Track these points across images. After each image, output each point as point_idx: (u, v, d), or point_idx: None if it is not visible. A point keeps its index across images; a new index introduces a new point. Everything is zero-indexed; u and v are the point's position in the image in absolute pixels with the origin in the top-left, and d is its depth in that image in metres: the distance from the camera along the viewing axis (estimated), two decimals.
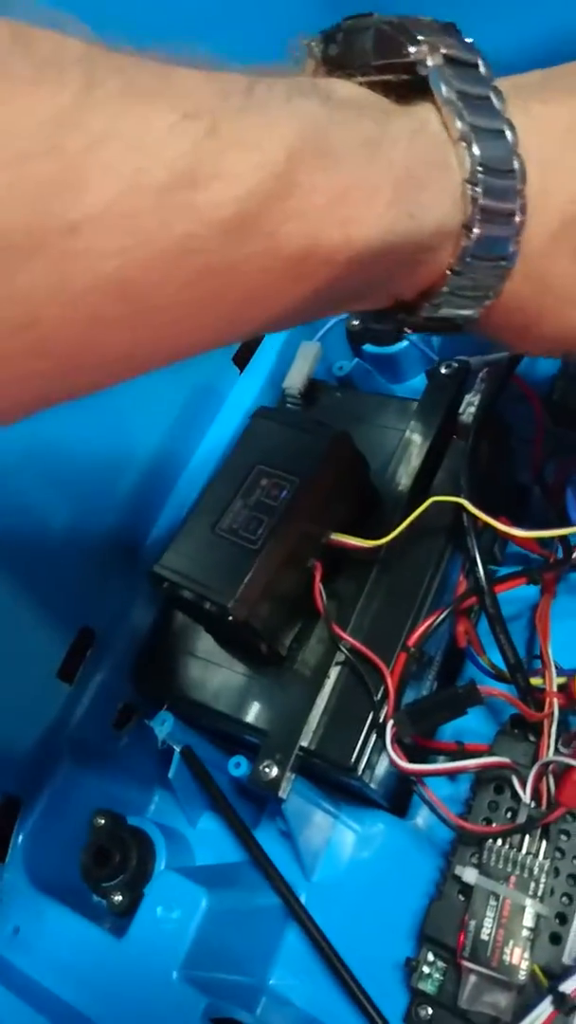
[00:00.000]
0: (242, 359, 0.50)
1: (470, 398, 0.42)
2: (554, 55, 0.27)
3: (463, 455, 0.39)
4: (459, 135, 0.22)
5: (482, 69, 0.23)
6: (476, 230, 0.22)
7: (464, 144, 0.22)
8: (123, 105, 0.17)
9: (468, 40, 0.23)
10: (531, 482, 0.45)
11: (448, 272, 0.23)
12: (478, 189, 0.22)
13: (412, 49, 0.22)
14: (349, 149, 0.20)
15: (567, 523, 0.39)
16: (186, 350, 0.21)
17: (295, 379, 0.46)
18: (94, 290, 0.17)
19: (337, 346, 0.53)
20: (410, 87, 0.22)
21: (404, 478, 0.41)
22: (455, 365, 0.44)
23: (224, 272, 0.19)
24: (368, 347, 0.54)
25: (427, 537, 0.39)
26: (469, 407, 0.42)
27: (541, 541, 0.41)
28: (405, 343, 0.53)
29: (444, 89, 0.22)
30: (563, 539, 0.39)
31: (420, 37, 0.22)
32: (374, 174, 0.20)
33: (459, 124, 0.22)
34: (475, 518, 0.36)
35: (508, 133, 0.23)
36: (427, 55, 0.22)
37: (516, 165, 0.23)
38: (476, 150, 0.22)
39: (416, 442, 0.42)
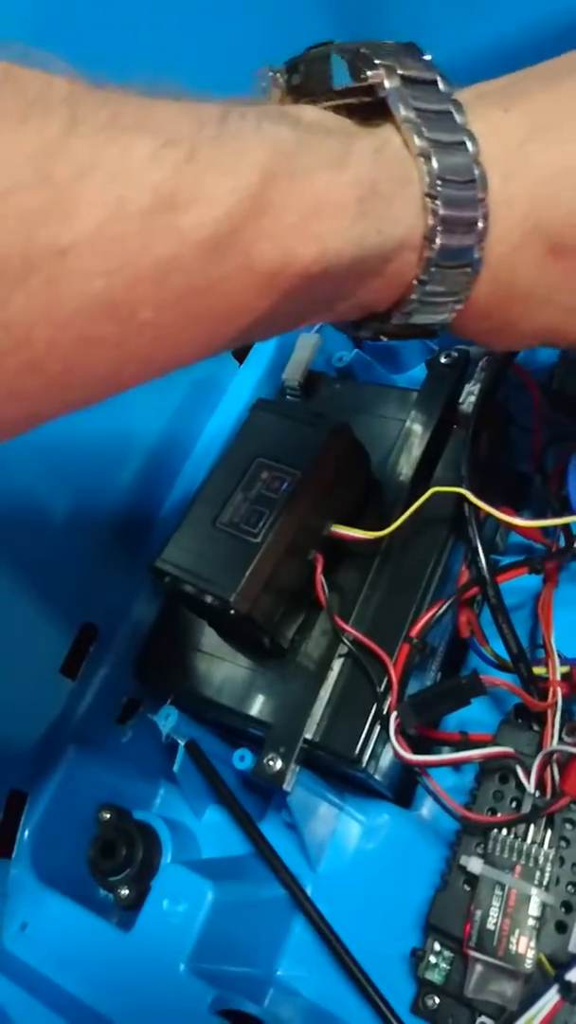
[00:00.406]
0: (241, 352, 0.50)
1: (470, 387, 0.42)
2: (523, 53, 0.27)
3: (464, 445, 0.39)
4: (418, 150, 0.23)
5: (441, 85, 0.24)
6: (438, 240, 0.23)
7: (423, 158, 0.23)
8: (107, 136, 0.18)
9: (427, 58, 0.24)
10: (532, 471, 0.45)
11: (415, 282, 0.24)
12: (438, 201, 0.23)
13: (370, 73, 0.23)
14: (317, 169, 0.21)
15: (569, 511, 0.39)
16: (169, 366, 0.22)
17: (294, 371, 0.46)
18: (83, 310, 0.18)
19: (336, 337, 0.52)
20: (372, 109, 0.23)
21: (405, 469, 0.41)
22: (455, 355, 0.43)
23: (204, 290, 0.20)
24: None
25: (429, 528, 0.39)
26: (469, 396, 0.42)
27: (543, 530, 0.41)
28: None
29: (402, 108, 0.23)
30: (565, 528, 0.39)
31: (377, 61, 0.23)
32: (341, 191, 0.21)
33: (418, 140, 0.23)
34: (476, 508, 0.36)
35: (468, 144, 0.23)
36: (384, 78, 0.23)
37: (477, 174, 0.23)
38: (435, 163, 0.23)
39: (416, 432, 0.42)
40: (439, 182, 0.23)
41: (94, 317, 0.18)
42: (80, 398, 0.21)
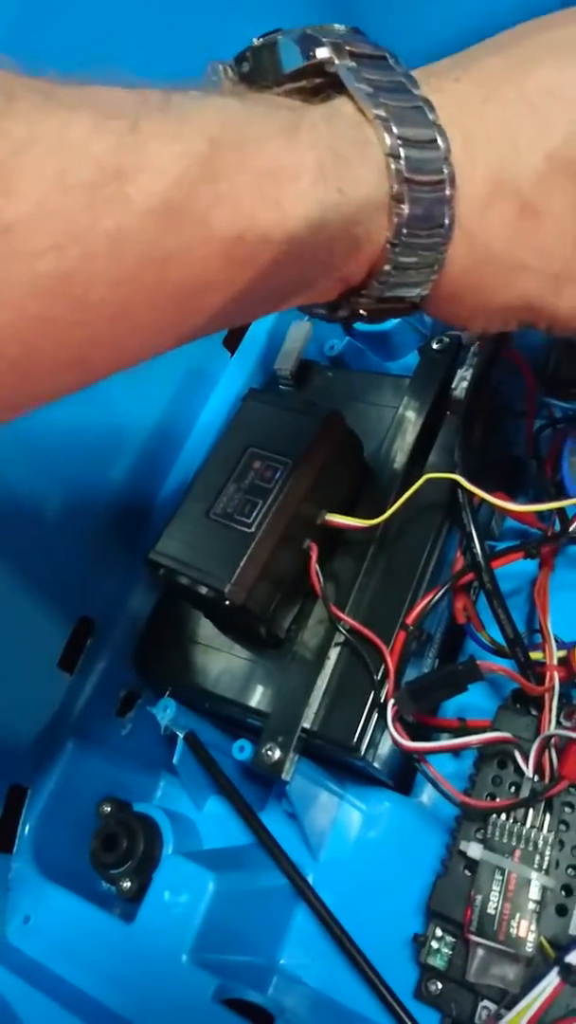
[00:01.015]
0: (233, 342, 0.50)
1: (462, 373, 0.42)
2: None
3: (457, 431, 0.39)
4: (374, 115, 0.22)
5: (391, 61, 0.24)
6: (406, 203, 0.23)
7: (381, 122, 0.22)
8: (45, 113, 0.18)
9: (373, 42, 0.24)
10: (527, 456, 0.45)
11: (387, 246, 0.24)
12: (401, 162, 0.22)
13: (319, 50, 0.23)
14: (269, 135, 0.21)
15: (564, 495, 0.38)
16: (143, 351, 0.21)
17: (286, 360, 0.46)
18: (36, 289, 0.18)
19: (328, 325, 0.52)
20: (324, 89, 0.23)
21: (399, 456, 0.41)
22: (446, 340, 0.43)
23: (162, 262, 0.19)
24: (359, 325, 0.53)
25: (423, 515, 0.39)
26: (461, 382, 0.41)
27: (539, 514, 0.41)
28: (397, 320, 0.52)
29: (354, 80, 0.23)
30: (560, 512, 0.39)
31: (325, 40, 0.23)
32: (297, 154, 0.21)
33: (373, 107, 0.22)
34: (470, 493, 0.36)
35: (426, 109, 0.23)
36: (333, 54, 0.23)
37: (437, 137, 0.23)
38: (393, 127, 0.22)
39: (410, 419, 0.42)
40: (400, 143, 0.22)
41: (48, 296, 0.18)
42: (51, 385, 0.20)
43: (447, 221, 0.24)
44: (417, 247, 0.24)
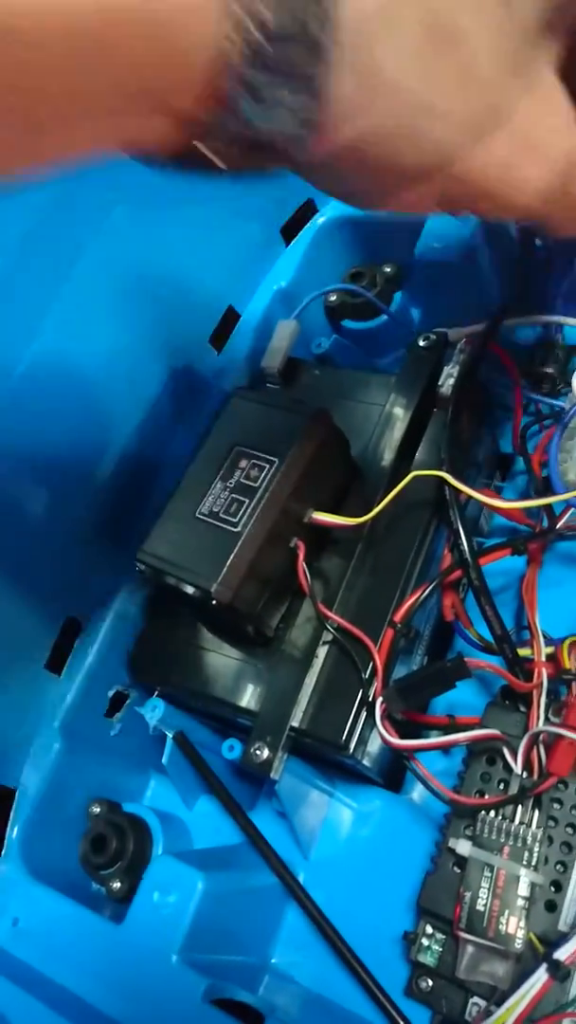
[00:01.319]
0: (219, 340, 0.50)
1: (449, 370, 0.42)
2: None
3: (444, 428, 0.39)
4: None
5: None
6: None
7: None
8: None
9: None
10: (515, 452, 0.45)
11: (231, 48, 0.17)
12: None
13: None
14: None
15: (551, 492, 0.38)
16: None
17: (273, 358, 0.46)
18: None
19: (316, 323, 0.52)
20: None
21: (386, 453, 0.41)
22: (433, 337, 0.43)
23: None
24: (347, 323, 0.53)
25: (411, 512, 0.39)
26: (448, 379, 0.41)
27: (527, 511, 0.41)
28: (384, 317, 0.52)
29: None
30: (547, 508, 0.39)
31: None
32: None
33: None
34: (457, 491, 0.36)
35: None
36: None
37: None
38: None
39: (397, 416, 0.42)
40: None
41: None
42: None
43: (319, 29, 0.18)
44: (277, 58, 0.18)
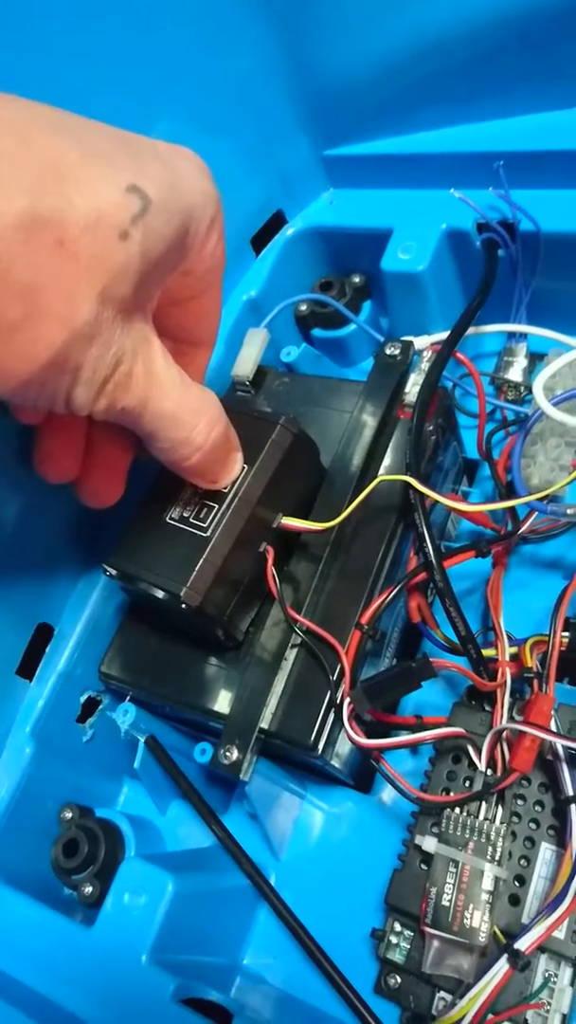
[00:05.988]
0: None
1: (415, 377, 0.43)
2: None
3: (409, 433, 0.40)
4: None
5: None
6: None
7: None
8: None
9: None
10: (480, 458, 0.45)
11: None
12: None
13: None
14: None
15: (515, 496, 0.39)
16: None
17: (243, 366, 0.46)
18: None
19: (285, 331, 0.53)
20: None
21: (355, 459, 0.42)
22: (399, 345, 0.44)
23: None
24: (316, 331, 0.54)
25: (378, 516, 0.40)
26: (414, 386, 0.42)
27: (492, 515, 0.42)
28: (353, 326, 0.53)
29: None
30: (511, 511, 0.40)
31: None
32: None
33: None
34: (422, 495, 0.37)
35: None
36: None
37: None
38: None
39: (365, 423, 0.43)
40: None
41: None
42: None
43: None
44: None
